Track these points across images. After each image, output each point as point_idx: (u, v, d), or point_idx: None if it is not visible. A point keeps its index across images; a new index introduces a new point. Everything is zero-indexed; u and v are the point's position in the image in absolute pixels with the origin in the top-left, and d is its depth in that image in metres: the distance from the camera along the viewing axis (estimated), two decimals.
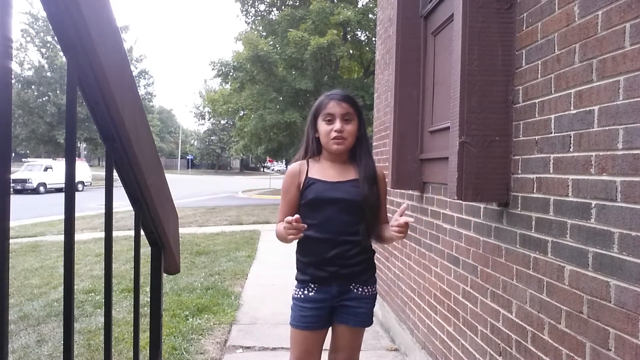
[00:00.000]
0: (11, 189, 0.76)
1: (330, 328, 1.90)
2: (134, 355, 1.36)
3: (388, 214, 1.97)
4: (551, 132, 1.54)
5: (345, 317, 1.84)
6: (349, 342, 1.87)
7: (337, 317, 1.85)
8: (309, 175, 1.80)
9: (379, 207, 1.85)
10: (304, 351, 1.83)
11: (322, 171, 1.81)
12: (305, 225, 1.63)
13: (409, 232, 3.17)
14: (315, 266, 1.80)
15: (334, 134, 1.75)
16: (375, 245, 1.92)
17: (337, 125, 1.75)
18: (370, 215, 1.78)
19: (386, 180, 1.94)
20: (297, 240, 1.77)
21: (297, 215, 1.61)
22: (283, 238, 1.73)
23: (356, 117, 1.81)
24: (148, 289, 1.53)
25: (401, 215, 1.65)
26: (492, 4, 1.78)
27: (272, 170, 52.42)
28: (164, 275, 1.54)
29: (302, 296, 1.82)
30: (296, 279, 1.87)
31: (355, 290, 1.83)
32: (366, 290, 1.85)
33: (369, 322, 1.88)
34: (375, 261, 1.93)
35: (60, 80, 32.25)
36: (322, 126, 1.79)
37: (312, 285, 1.81)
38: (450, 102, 1.89)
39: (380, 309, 3.93)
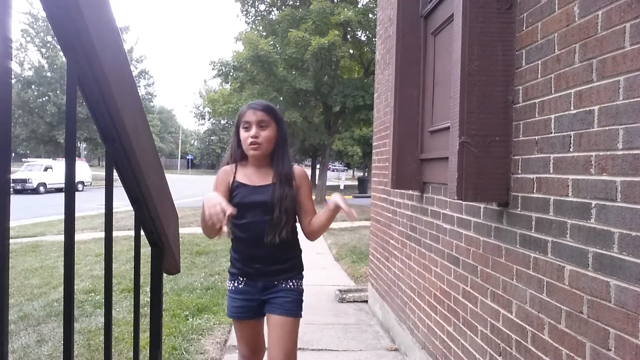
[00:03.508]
0: (11, 189, 0.76)
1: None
2: (134, 355, 1.36)
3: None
4: (551, 132, 1.54)
5: (271, 307, 1.93)
6: (282, 336, 1.89)
7: (266, 309, 1.95)
8: (235, 179, 1.93)
9: (298, 205, 1.95)
10: (241, 338, 2.01)
11: (247, 176, 1.93)
12: (226, 214, 1.64)
13: (409, 232, 3.18)
14: (242, 262, 1.94)
15: (250, 140, 1.87)
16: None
17: (253, 131, 1.87)
18: (282, 215, 1.86)
19: (308, 177, 2.04)
20: (231, 237, 1.94)
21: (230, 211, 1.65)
22: (206, 226, 1.78)
23: (274, 123, 1.91)
24: (148, 289, 1.53)
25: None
26: (492, 4, 1.78)
27: None
28: (164, 275, 1.54)
29: (233, 288, 1.97)
30: (229, 272, 2.01)
31: (279, 284, 1.94)
32: (291, 284, 1.95)
33: (296, 313, 1.93)
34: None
35: (60, 80, 32.23)
36: (242, 133, 1.91)
37: (241, 279, 1.96)
38: (450, 102, 1.89)
39: (380, 309, 3.93)
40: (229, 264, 2.02)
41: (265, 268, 1.91)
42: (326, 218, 1.93)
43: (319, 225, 1.96)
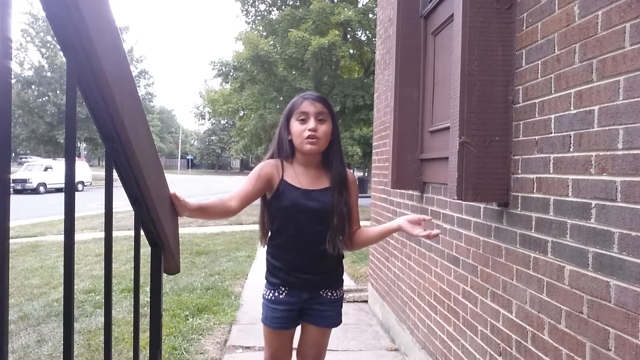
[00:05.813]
0: (11, 189, 0.76)
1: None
2: (134, 355, 1.36)
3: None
4: (551, 132, 1.54)
5: (314, 319, 1.86)
6: (319, 341, 1.90)
7: (307, 318, 1.86)
8: (283, 178, 1.75)
9: (350, 214, 1.82)
10: (278, 347, 1.88)
11: (296, 177, 1.76)
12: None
13: None
14: (286, 272, 1.79)
15: (307, 133, 1.70)
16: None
17: (312, 124, 1.70)
18: (339, 223, 1.76)
19: (356, 182, 1.93)
20: (269, 242, 1.84)
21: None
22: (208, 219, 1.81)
23: (330, 118, 1.76)
24: (148, 289, 1.53)
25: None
26: (492, 4, 1.78)
27: None
28: (164, 275, 1.54)
29: (273, 298, 1.82)
30: (266, 279, 1.87)
31: (324, 295, 1.84)
32: (335, 294, 1.87)
33: (339, 322, 1.90)
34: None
35: (60, 80, 32.23)
36: (296, 126, 1.74)
37: (283, 289, 1.81)
38: (450, 102, 1.89)
39: (380, 309, 3.93)
40: (266, 271, 1.88)
41: (314, 278, 1.79)
42: (379, 234, 1.82)
43: (368, 238, 1.85)
